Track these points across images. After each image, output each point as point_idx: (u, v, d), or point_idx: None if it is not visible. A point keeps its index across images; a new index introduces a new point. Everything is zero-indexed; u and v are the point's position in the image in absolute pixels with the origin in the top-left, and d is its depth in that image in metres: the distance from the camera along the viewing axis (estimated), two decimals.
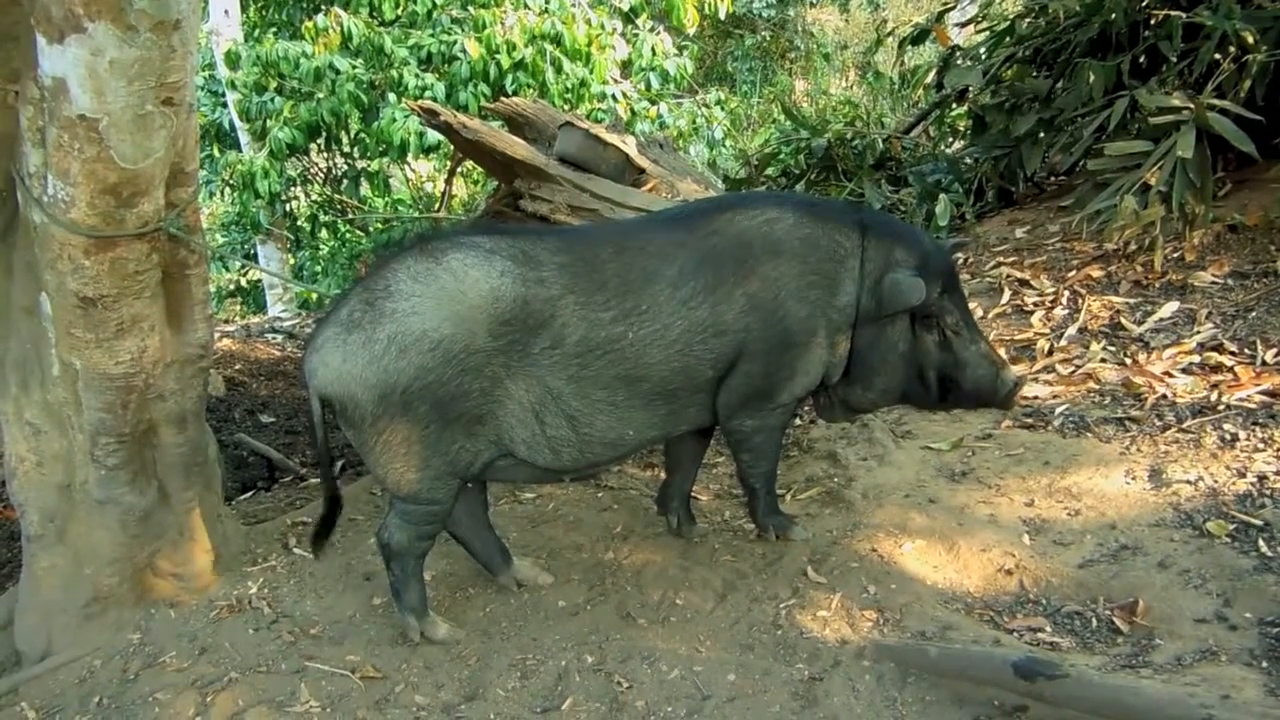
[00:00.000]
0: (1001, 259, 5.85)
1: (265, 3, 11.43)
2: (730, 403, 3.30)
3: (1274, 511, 3.31)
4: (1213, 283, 4.87)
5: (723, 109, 11.79)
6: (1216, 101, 4.94)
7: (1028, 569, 3.34)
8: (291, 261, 12.15)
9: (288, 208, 11.13)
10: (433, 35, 9.29)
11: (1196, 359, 4.34)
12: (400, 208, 11.64)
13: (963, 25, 8.46)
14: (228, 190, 10.84)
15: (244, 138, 10.78)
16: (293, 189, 11.12)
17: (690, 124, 10.67)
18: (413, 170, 12.29)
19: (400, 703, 3.00)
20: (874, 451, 4.32)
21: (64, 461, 3.37)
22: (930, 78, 7.75)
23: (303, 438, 6.14)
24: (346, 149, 10.77)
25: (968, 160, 6.99)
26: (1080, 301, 5.07)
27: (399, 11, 9.81)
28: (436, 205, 11.23)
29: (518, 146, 5.52)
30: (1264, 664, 2.70)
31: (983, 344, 3.42)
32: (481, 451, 3.09)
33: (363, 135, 9.86)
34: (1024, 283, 5.48)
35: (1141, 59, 5.78)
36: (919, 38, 7.68)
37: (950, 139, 8.31)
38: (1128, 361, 4.50)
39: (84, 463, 3.32)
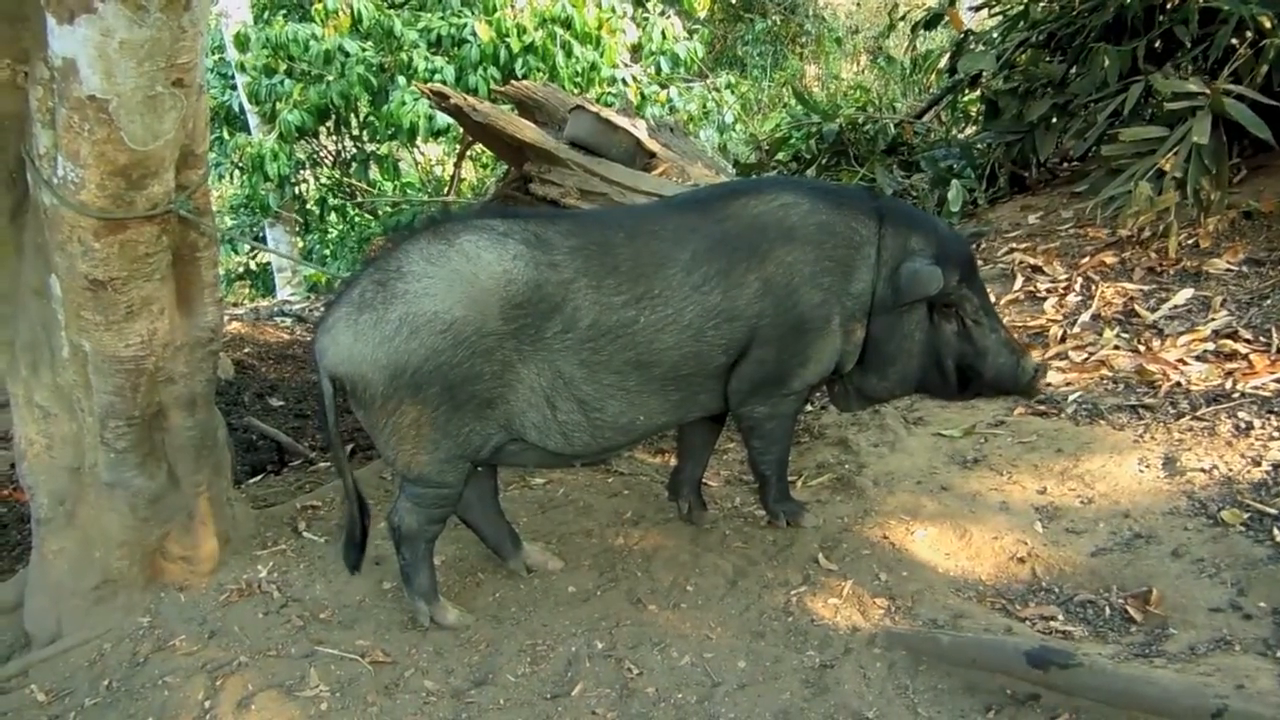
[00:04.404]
0: (1014, 245, 5.82)
1: None
2: (742, 389, 3.28)
3: None
4: (1227, 270, 4.84)
5: (733, 93, 11.75)
6: (1233, 87, 4.90)
7: (1040, 557, 3.33)
8: (301, 244, 12.15)
9: (297, 191, 11.12)
10: (443, 18, 9.27)
11: (1211, 346, 4.31)
12: (409, 191, 11.62)
13: (976, 9, 8.40)
14: (237, 173, 10.86)
15: (253, 120, 10.78)
16: (302, 172, 11.11)
17: (701, 108, 10.63)
18: (422, 154, 12.26)
19: (410, 687, 2.99)
20: (885, 438, 4.31)
21: (73, 444, 3.37)
22: (943, 62, 7.74)
23: (312, 421, 6.14)
24: (356, 132, 10.75)
25: (980, 145, 6.95)
26: (1094, 288, 5.04)
27: None
28: (446, 189, 11.21)
29: (528, 130, 5.50)
30: (1279, 654, 2.68)
31: (1002, 332, 3.40)
32: (492, 435, 3.08)
33: (372, 118, 9.84)
34: (1037, 269, 5.45)
35: (1157, 44, 5.73)
36: (932, 22, 7.65)
37: (963, 124, 8.27)
38: (1141, 349, 4.48)
39: (93, 445, 3.32)
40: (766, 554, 3.53)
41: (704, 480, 3.89)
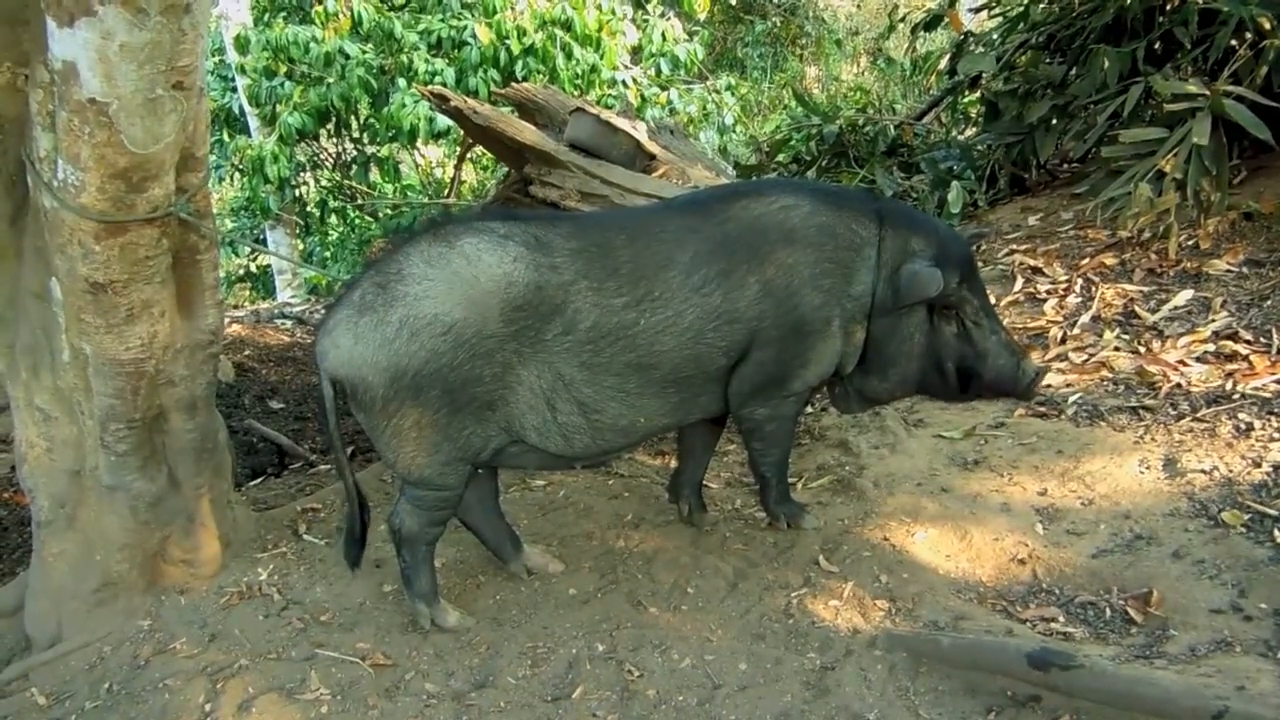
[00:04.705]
0: (1014, 246, 5.82)
1: None
2: (742, 391, 3.28)
3: None
4: (1228, 271, 4.84)
5: (733, 95, 11.74)
6: (1232, 88, 4.89)
7: (1041, 558, 3.33)
8: (301, 247, 12.16)
9: (297, 193, 11.12)
10: (443, 20, 9.26)
11: (1211, 347, 4.31)
12: (410, 193, 11.62)
13: (976, 11, 8.39)
14: (237, 175, 10.88)
15: (253, 123, 10.78)
16: (302, 174, 11.11)
17: (701, 110, 10.63)
18: (422, 156, 12.26)
19: (410, 690, 2.99)
20: (886, 440, 4.31)
21: (74, 447, 3.37)
22: (943, 64, 7.72)
23: (313, 424, 6.14)
24: (356, 134, 10.75)
25: (980, 147, 6.94)
26: (1094, 289, 5.04)
27: None
28: (446, 191, 11.21)
29: (528, 132, 5.51)
30: (1279, 655, 2.68)
31: (1002, 334, 3.40)
32: (492, 437, 3.08)
33: (372, 120, 9.84)
34: (1037, 270, 5.45)
35: (1157, 45, 5.72)
36: (932, 23, 7.62)
37: (963, 125, 8.27)
38: (1141, 350, 4.47)
39: (94, 448, 3.32)
40: (767, 556, 3.52)
41: (704, 482, 3.88)
